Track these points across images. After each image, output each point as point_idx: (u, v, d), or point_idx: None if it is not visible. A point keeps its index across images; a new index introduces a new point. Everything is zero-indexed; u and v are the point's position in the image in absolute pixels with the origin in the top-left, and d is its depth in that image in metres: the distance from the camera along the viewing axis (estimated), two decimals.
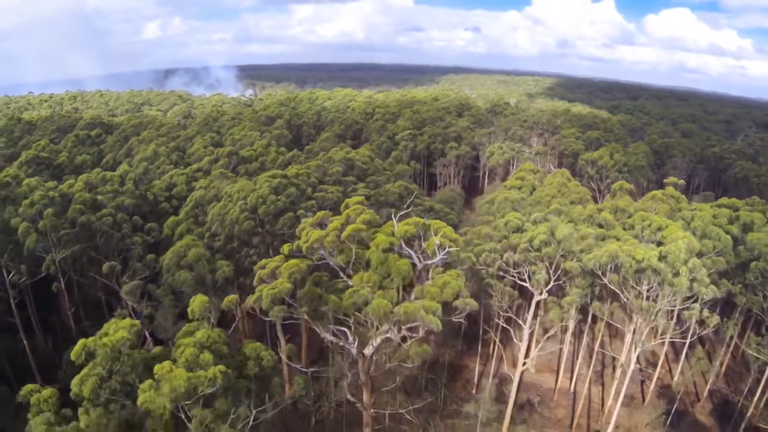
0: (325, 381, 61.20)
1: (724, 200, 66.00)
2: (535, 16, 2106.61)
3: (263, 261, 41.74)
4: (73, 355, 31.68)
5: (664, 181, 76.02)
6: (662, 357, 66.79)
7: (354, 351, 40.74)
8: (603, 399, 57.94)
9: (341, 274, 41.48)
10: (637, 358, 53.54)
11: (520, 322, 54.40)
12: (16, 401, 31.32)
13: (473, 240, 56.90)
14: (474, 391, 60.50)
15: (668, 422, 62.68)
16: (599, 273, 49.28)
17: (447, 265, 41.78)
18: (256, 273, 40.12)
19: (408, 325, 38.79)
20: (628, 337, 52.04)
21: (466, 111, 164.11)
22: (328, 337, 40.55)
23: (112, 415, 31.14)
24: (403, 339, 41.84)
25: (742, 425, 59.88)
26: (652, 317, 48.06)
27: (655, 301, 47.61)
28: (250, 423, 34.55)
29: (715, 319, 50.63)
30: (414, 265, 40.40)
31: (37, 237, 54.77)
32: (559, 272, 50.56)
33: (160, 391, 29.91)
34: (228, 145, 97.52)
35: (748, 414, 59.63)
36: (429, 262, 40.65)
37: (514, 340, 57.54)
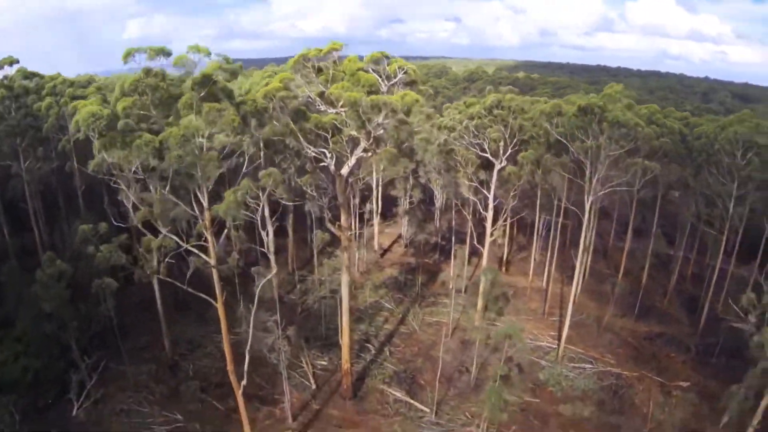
0: (311, 282, 64.71)
1: None
2: (516, 5, 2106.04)
3: None
4: None
5: None
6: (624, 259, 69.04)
7: (332, 169, 43.25)
8: (575, 296, 59.92)
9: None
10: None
11: (485, 191, 57.31)
12: None
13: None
14: (451, 287, 62.26)
15: (635, 313, 64.84)
16: (547, 126, 53.18)
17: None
18: None
19: (375, 125, 41.30)
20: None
21: (444, 75, 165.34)
22: (311, 153, 42.93)
23: None
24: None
25: (703, 316, 62.31)
26: (600, 165, 51.26)
27: (599, 147, 50.98)
28: None
29: (655, 166, 54.12)
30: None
31: None
32: (515, 139, 54.33)
33: None
34: None
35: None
36: (391, 82, 43.91)
37: (483, 213, 59.97)
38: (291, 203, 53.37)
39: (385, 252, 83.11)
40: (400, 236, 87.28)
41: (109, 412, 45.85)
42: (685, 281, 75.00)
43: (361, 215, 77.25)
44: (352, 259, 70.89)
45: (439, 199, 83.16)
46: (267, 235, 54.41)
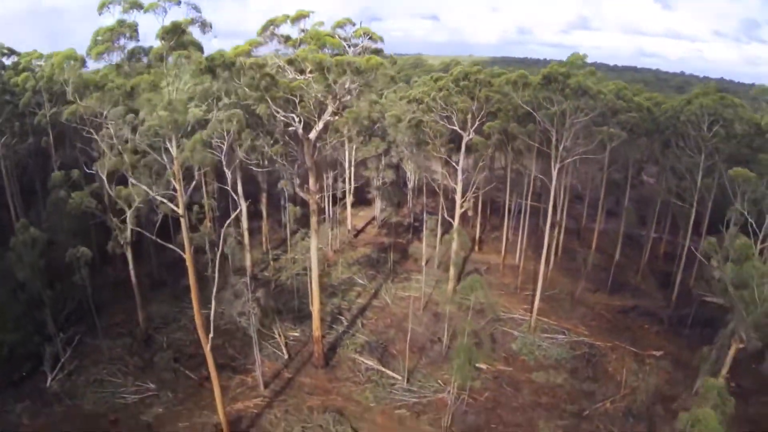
0: (284, 260, 64.39)
1: None
2: (494, 3, 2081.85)
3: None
4: None
5: None
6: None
7: (300, 132, 42.96)
8: (546, 269, 59.70)
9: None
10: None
11: (453, 163, 57.12)
12: None
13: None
14: (423, 261, 61.88)
15: (608, 288, 64.73)
16: (513, 94, 53.19)
17: None
18: None
19: (341, 87, 41.10)
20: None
21: (419, 67, 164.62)
22: (280, 117, 42.66)
23: None
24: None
25: (675, 290, 62.29)
26: (566, 132, 51.28)
27: (564, 114, 51.00)
28: None
29: (621, 135, 54.25)
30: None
31: None
32: (482, 111, 54.23)
33: None
34: None
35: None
36: (357, 48, 43.69)
37: (452, 184, 59.70)
38: (262, 170, 52.76)
39: (358, 233, 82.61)
40: (373, 219, 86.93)
41: (82, 383, 45.02)
42: (657, 259, 75.12)
43: (334, 197, 76.81)
44: (324, 238, 70.74)
45: (411, 180, 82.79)
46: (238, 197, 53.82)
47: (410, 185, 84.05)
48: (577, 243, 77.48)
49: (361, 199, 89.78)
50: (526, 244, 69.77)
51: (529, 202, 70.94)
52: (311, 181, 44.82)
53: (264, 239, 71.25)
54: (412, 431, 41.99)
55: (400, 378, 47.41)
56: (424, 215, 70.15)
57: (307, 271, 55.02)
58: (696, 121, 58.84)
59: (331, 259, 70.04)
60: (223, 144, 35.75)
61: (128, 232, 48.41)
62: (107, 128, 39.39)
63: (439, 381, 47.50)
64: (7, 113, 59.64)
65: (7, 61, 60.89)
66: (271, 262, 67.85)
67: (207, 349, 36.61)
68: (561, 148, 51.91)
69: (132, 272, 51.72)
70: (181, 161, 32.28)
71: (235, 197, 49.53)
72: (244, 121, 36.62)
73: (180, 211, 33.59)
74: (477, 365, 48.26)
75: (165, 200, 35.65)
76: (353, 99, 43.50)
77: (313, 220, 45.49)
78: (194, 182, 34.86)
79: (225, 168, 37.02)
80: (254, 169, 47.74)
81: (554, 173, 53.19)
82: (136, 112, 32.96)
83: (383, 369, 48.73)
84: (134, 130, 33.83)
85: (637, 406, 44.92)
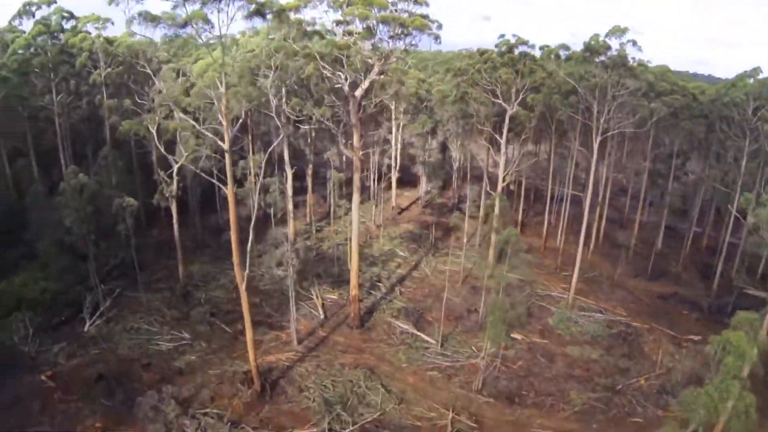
0: (327, 232, 64.03)
1: None
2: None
3: None
4: None
5: None
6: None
7: (346, 90, 42.66)
8: (587, 254, 58.37)
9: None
10: None
11: (497, 136, 56.05)
12: None
13: None
14: (465, 241, 60.91)
15: (648, 275, 62.87)
16: (555, 68, 52.30)
17: None
18: None
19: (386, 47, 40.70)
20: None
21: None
22: (327, 74, 42.47)
23: None
24: None
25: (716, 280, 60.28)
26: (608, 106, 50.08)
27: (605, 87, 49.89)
28: None
29: (661, 109, 52.84)
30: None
31: None
32: (525, 85, 53.22)
33: None
34: None
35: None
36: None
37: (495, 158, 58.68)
38: (308, 126, 52.52)
39: (402, 211, 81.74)
40: (418, 199, 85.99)
41: (119, 330, 45.22)
42: (699, 252, 72.72)
43: (380, 176, 76.18)
44: (368, 213, 70.26)
45: (457, 161, 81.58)
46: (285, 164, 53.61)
47: (455, 166, 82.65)
48: (620, 232, 75.45)
49: (407, 181, 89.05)
50: (567, 229, 68.11)
51: (570, 189, 69.37)
52: (355, 138, 44.47)
53: (308, 211, 71.13)
54: (442, 392, 40.93)
55: (434, 342, 46.54)
56: (468, 191, 68.82)
57: (348, 242, 54.66)
58: (741, 104, 56.99)
59: (373, 233, 69.27)
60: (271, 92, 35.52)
61: (174, 186, 48.56)
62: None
63: (473, 348, 46.48)
64: (63, 73, 60.54)
65: (67, 25, 61.62)
66: (314, 233, 67.46)
67: (242, 288, 36.31)
68: (602, 120, 50.54)
69: (176, 228, 51.95)
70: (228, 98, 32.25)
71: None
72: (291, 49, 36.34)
73: (225, 145, 33.40)
74: (512, 335, 47.57)
75: (210, 134, 35.49)
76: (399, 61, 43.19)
77: (356, 177, 45.03)
78: (240, 121, 34.72)
79: (272, 113, 36.80)
80: (301, 127, 47.39)
81: (595, 146, 51.82)
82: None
83: (418, 333, 47.93)
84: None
85: (671, 386, 42.89)
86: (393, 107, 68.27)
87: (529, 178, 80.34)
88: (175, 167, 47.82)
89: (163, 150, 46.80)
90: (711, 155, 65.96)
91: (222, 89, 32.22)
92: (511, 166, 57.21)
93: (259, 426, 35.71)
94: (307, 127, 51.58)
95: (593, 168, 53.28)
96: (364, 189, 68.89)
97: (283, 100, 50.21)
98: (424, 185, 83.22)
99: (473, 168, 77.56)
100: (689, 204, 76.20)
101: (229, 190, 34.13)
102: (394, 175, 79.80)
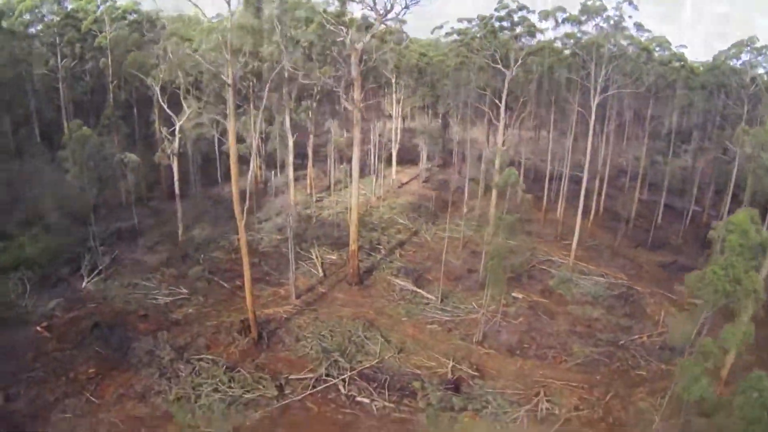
0: (327, 201, 63.08)
1: None
2: None
3: None
4: None
5: None
6: None
7: (348, 43, 41.74)
8: (588, 223, 57.06)
9: None
10: None
11: (496, 101, 54.81)
12: None
13: None
14: (465, 211, 59.59)
15: (649, 245, 61.42)
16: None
17: None
18: None
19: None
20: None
21: None
22: (331, 27, 41.59)
23: None
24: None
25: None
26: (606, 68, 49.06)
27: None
28: None
29: (656, 68, 51.79)
30: None
31: None
32: (523, 51, 52.12)
33: None
34: None
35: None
36: None
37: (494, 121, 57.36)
38: (309, 81, 51.32)
39: (402, 185, 79.92)
40: (417, 176, 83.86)
41: (117, 286, 43.93)
42: (699, 228, 70.73)
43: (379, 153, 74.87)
44: (368, 186, 68.96)
45: (457, 135, 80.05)
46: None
47: (455, 140, 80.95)
48: (620, 208, 73.88)
49: (407, 159, 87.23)
50: (566, 204, 66.47)
51: (569, 168, 67.85)
52: (356, 92, 43.54)
53: (309, 182, 69.73)
54: (442, 343, 39.54)
55: (434, 299, 45.17)
56: (468, 169, 67.32)
57: (348, 209, 53.49)
58: (737, 71, 55.96)
59: (374, 204, 67.73)
60: None
61: (176, 143, 47.37)
62: None
63: (474, 304, 44.93)
64: (69, 36, 59.55)
65: None
66: (314, 202, 66.06)
67: (241, 226, 35.25)
68: (600, 80, 49.40)
69: (176, 189, 51.00)
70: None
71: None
72: None
73: (228, 80, 32.32)
74: (513, 294, 46.23)
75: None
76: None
77: (356, 129, 43.95)
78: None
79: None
80: (304, 82, 46.22)
81: (593, 106, 50.67)
82: None
83: (418, 290, 46.55)
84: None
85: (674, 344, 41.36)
86: (393, 81, 67.08)
87: (528, 159, 79.01)
88: (177, 125, 46.54)
89: (165, 107, 45.77)
90: (708, 125, 64.75)
91: (227, 24, 31.19)
92: (508, 134, 55.96)
93: (255, 371, 34.35)
94: (308, 102, 50.48)
95: (591, 130, 51.90)
96: (365, 166, 67.28)
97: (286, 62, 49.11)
98: (424, 161, 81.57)
99: (473, 147, 75.86)
100: (688, 184, 74.84)
101: (231, 127, 32.90)
102: (395, 148, 78.19)
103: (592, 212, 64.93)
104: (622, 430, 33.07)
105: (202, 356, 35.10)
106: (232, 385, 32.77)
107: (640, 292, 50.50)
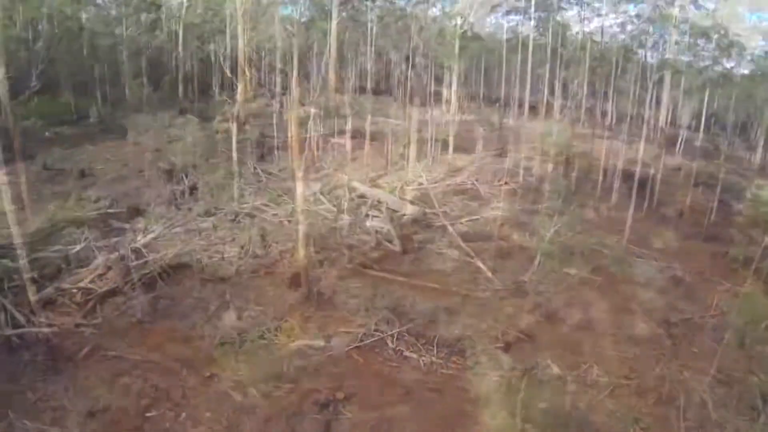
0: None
1: None
2: None
3: None
4: None
5: None
6: None
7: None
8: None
9: None
10: None
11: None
12: None
13: None
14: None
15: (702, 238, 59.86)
16: None
17: None
18: None
19: None
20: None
21: None
22: None
23: None
24: None
25: None
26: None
27: None
28: None
29: None
30: None
31: None
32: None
33: None
34: None
35: None
36: None
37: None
38: None
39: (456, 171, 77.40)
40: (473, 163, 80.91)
41: None
42: None
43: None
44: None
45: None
46: None
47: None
48: (674, 200, 72.12)
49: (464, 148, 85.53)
50: (618, 198, 65.29)
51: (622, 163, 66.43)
52: None
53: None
54: (494, 310, 38.92)
55: (485, 269, 44.79)
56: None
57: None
58: None
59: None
60: None
61: (236, 108, 48.01)
62: None
63: (526, 277, 44.12)
64: (134, 5, 60.52)
65: None
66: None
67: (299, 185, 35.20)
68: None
69: (234, 156, 51.60)
70: None
71: None
72: None
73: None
74: (564, 270, 45.37)
75: None
76: None
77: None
78: None
79: None
80: None
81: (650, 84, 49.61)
82: None
83: (471, 259, 46.49)
84: None
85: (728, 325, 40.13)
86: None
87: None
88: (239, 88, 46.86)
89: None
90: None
91: None
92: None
93: (303, 322, 34.31)
94: None
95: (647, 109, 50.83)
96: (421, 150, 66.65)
97: None
98: (480, 149, 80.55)
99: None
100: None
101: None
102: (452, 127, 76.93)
103: (645, 204, 63.80)
104: (671, 400, 32.23)
105: (250, 307, 35.29)
106: (278, 333, 32.79)
107: (693, 277, 49.06)
